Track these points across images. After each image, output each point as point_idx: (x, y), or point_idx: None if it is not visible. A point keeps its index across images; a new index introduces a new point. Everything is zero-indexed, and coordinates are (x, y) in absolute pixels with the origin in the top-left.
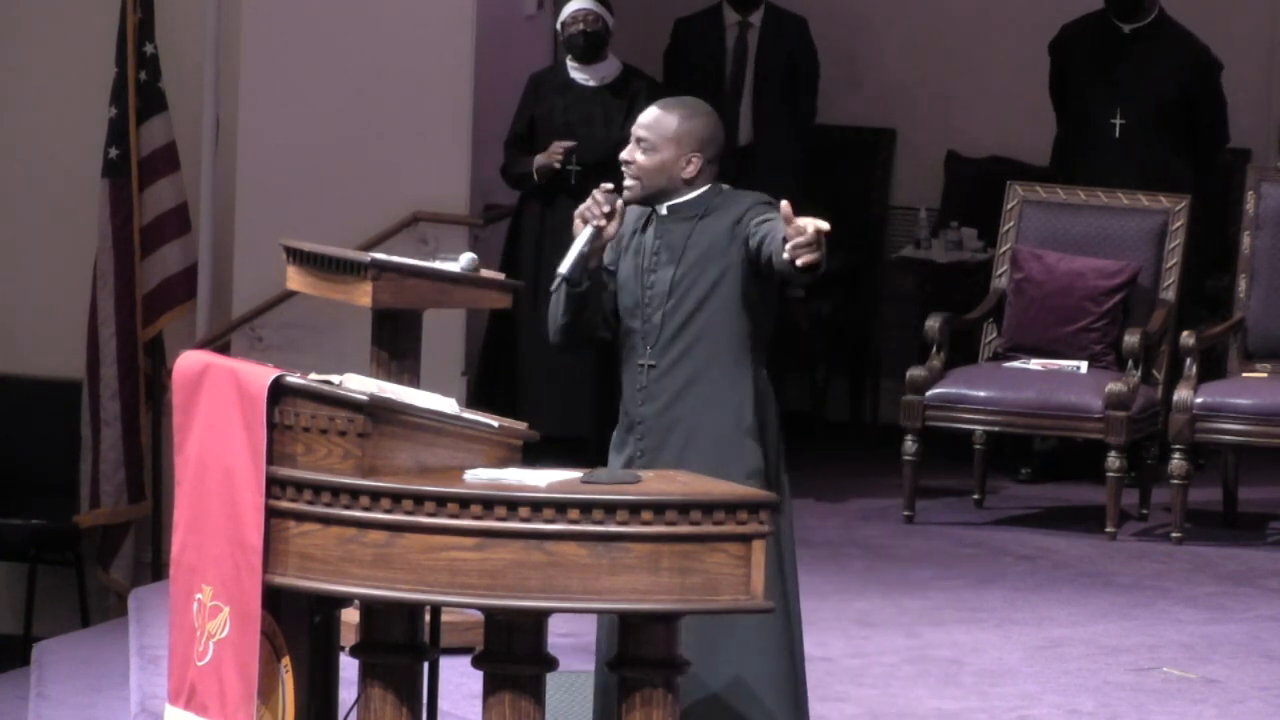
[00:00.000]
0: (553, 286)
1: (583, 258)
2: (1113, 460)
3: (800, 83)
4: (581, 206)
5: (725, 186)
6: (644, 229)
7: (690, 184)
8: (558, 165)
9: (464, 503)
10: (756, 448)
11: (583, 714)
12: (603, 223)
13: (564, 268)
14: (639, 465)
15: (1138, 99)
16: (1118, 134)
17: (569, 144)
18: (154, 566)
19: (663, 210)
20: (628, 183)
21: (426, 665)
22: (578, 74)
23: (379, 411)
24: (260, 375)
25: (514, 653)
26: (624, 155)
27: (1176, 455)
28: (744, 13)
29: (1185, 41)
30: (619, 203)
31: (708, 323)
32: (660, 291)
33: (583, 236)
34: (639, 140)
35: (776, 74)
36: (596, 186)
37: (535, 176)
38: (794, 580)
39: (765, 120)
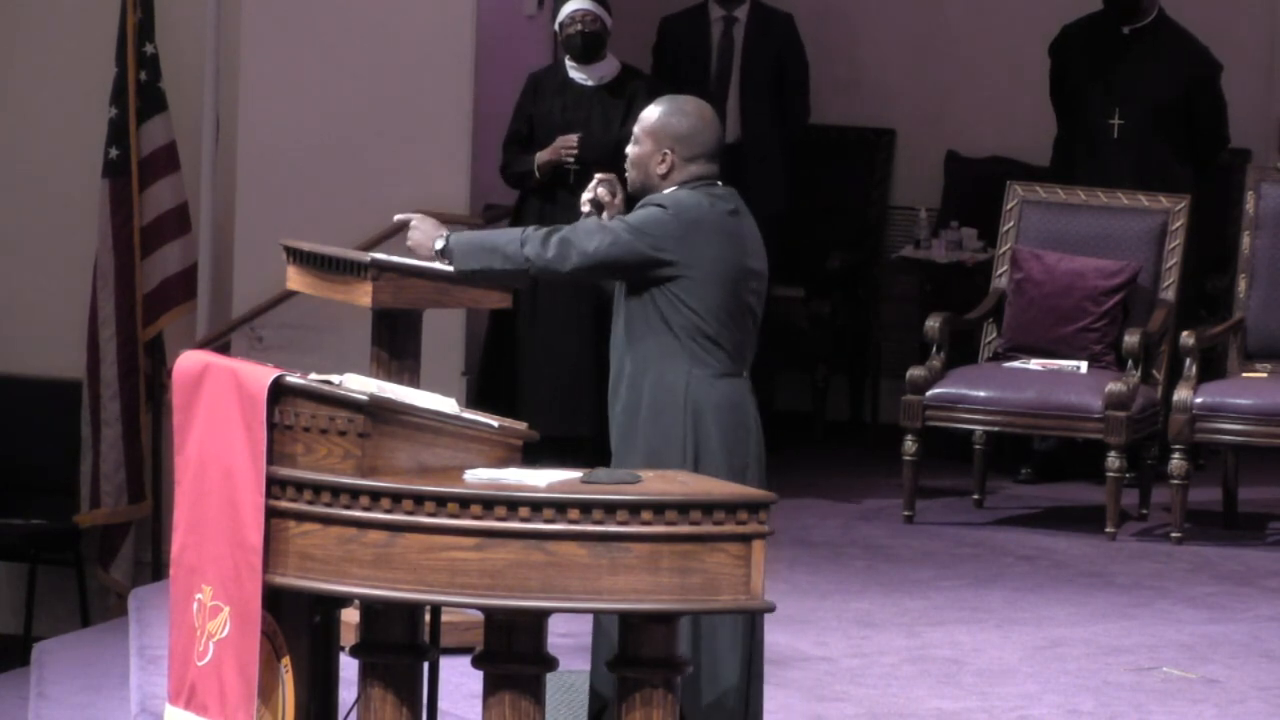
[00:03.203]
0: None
1: None
2: (1113, 460)
3: (789, 80)
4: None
5: (717, 185)
6: None
7: (665, 180)
8: (569, 161)
9: (464, 503)
10: (650, 436)
11: (583, 714)
12: (586, 207)
13: None
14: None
15: (1136, 99)
16: (1116, 134)
17: (574, 137)
18: (154, 566)
19: None
20: (626, 175)
21: (426, 665)
22: (576, 74)
23: (379, 411)
24: (260, 375)
25: (514, 653)
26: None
27: (1176, 455)
28: (729, 8)
29: (1185, 43)
30: (601, 189)
31: (638, 322)
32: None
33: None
34: (632, 133)
35: (763, 70)
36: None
37: (537, 173)
38: None
39: (752, 117)
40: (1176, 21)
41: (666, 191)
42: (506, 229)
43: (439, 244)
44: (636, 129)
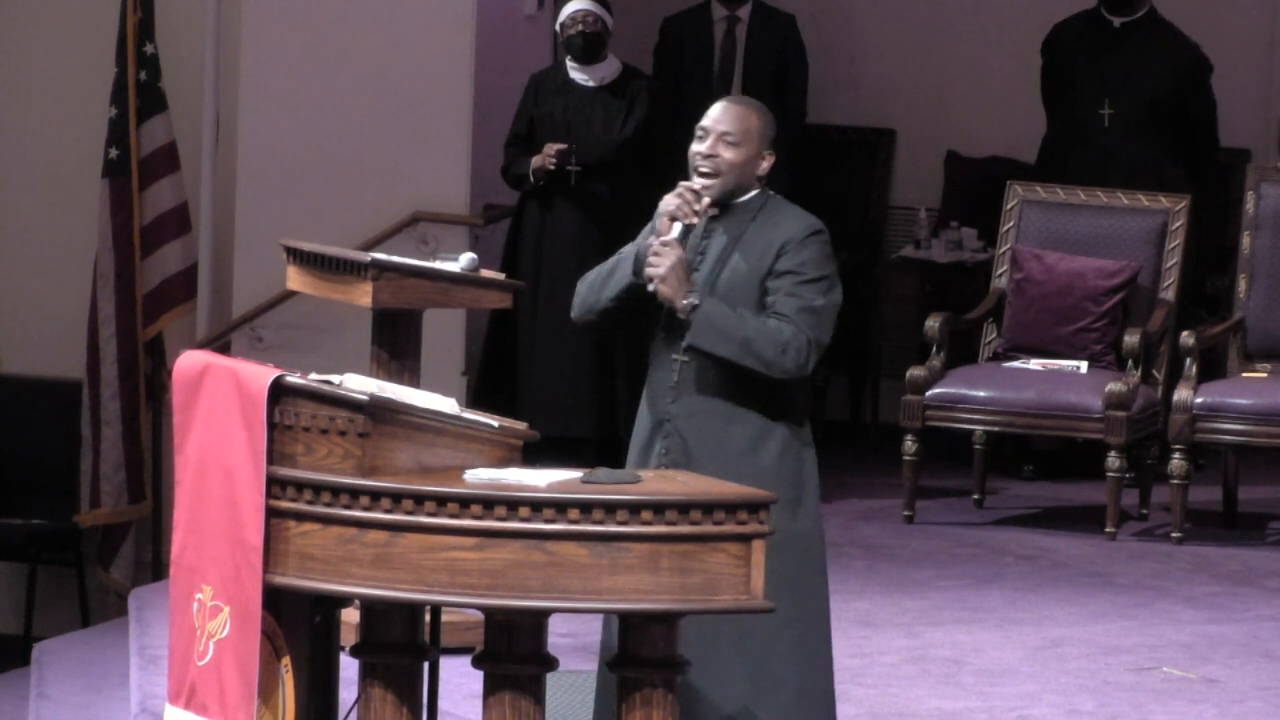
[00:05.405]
0: (632, 274)
1: None
2: (1113, 460)
3: (789, 80)
4: (670, 205)
5: (770, 192)
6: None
7: (761, 181)
8: (551, 166)
9: (464, 503)
10: (769, 470)
11: (583, 714)
12: (694, 221)
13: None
14: (666, 464)
15: (1126, 91)
16: (1107, 124)
17: (561, 146)
18: (154, 566)
19: (714, 210)
20: (706, 182)
21: (426, 665)
22: (577, 74)
23: (379, 411)
24: (260, 375)
25: (514, 653)
26: (705, 150)
27: (1176, 455)
28: (732, 8)
29: (1175, 39)
30: (706, 202)
31: None
32: (702, 288)
33: (672, 235)
34: (723, 135)
35: (765, 70)
36: (687, 186)
37: (532, 178)
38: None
39: None
40: (1167, 20)
41: (797, 213)
42: (755, 321)
43: (687, 301)
44: (734, 130)
